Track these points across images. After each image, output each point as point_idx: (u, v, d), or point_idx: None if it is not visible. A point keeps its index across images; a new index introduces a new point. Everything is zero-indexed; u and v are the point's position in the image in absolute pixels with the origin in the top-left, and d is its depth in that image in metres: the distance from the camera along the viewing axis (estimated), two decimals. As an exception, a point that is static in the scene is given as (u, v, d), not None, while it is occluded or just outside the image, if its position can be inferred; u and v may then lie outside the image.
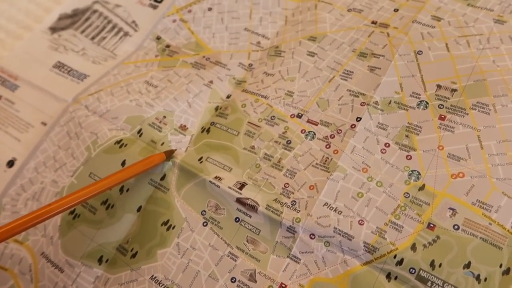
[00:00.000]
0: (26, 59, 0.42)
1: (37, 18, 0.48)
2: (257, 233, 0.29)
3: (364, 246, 0.26)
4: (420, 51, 0.32)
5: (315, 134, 0.31)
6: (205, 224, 0.30)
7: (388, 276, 0.26)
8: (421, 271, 0.25)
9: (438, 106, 0.30)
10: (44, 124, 0.37)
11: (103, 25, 0.44)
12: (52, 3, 0.49)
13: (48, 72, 0.41)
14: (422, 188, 0.27)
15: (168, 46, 0.41)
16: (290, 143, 0.32)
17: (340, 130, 0.31)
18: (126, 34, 0.43)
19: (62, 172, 0.35)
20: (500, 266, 0.25)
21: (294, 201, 0.29)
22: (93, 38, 0.43)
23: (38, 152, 0.36)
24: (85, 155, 0.35)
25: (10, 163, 0.37)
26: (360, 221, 0.27)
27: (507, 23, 0.32)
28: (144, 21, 0.43)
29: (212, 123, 0.35)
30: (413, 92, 0.31)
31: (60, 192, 0.34)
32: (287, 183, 0.30)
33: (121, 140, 0.34)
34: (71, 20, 0.45)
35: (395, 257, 0.26)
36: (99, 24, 0.44)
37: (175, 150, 0.33)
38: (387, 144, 0.30)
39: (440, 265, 0.25)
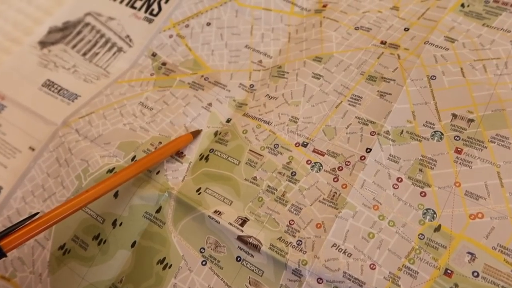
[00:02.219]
0: (14, 77, 0.40)
1: (26, 30, 0.45)
2: (260, 274, 0.27)
3: (376, 293, 0.25)
4: (434, 76, 0.30)
5: (321, 165, 0.29)
6: (204, 263, 0.28)
7: (402, 326, 0.24)
8: (438, 322, 0.23)
9: (454, 137, 0.28)
10: (32, 149, 0.35)
11: (95, 40, 0.41)
12: (42, 14, 0.47)
13: (37, 91, 0.39)
14: (438, 229, 0.26)
15: (164, 63, 0.38)
16: (295, 175, 0.30)
17: (348, 161, 0.29)
18: (119, 50, 0.40)
19: (51, 202, 0.33)
20: (524, 318, 0.23)
21: (300, 241, 0.27)
22: (84, 54, 0.41)
23: (26, 180, 0.34)
24: (76, 184, 0.32)
25: (-4, 192, 0.34)
26: (372, 265, 0.25)
27: (526, 46, 0.30)
28: (139, 36, 0.41)
29: (211, 150, 0.32)
30: (426, 122, 0.29)
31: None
32: (292, 220, 0.28)
33: (113, 168, 0.32)
34: (61, 33, 0.42)
35: (409, 306, 0.24)
36: (91, 39, 0.41)
37: (201, 130, 0.33)
38: (400, 179, 0.28)
39: (458, 316, 0.23)
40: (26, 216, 0.33)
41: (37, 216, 0.25)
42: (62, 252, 0.31)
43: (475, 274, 0.24)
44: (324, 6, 0.38)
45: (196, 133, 0.33)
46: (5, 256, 0.23)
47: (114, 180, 0.28)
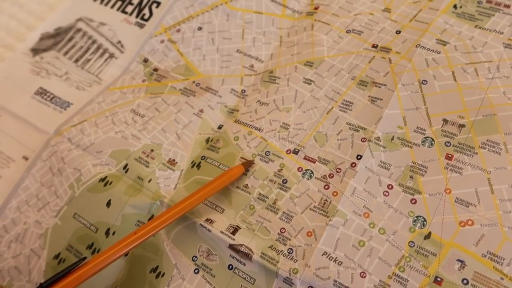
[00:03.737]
0: (7, 85, 0.40)
1: (18, 36, 0.45)
2: (252, 282, 0.27)
3: (366, 301, 0.25)
4: (425, 80, 0.30)
5: (312, 173, 0.29)
6: (196, 271, 0.29)
7: (392, 334, 0.24)
8: (427, 330, 0.24)
9: (445, 143, 0.28)
10: (25, 158, 0.35)
11: (87, 46, 0.41)
12: (35, 20, 0.46)
13: (29, 99, 0.39)
14: (428, 236, 0.26)
15: (156, 69, 0.38)
16: (286, 182, 0.30)
17: (339, 169, 0.29)
18: (111, 56, 0.40)
19: (45, 212, 0.33)
20: (513, 325, 0.23)
21: (291, 249, 0.27)
22: (77, 61, 0.40)
23: (20, 190, 0.34)
24: (69, 193, 0.33)
25: (-9, 202, 0.35)
26: (362, 274, 0.25)
27: (518, 48, 0.30)
28: (130, 41, 0.40)
29: (203, 157, 0.32)
30: (417, 127, 0.29)
31: (44, 234, 0.32)
32: (283, 228, 0.28)
33: (105, 177, 0.32)
34: (53, 40, 0.42)
35: (399, 314, 0.24)
36: (83, 45, 0.41)
37: (254, 160, 0.31)
38: (390, 186, 0.28)
39: (448, 324, 0.23)
40: (20, 225, 0.33)
41: (85, 261, 0.25)
42: (57, 262, 0.31)
43: (465, 281, 0.24)
44: (316, 8, 0.37)
45: (248, 164, 0.31)
46: None
47: (161, 222, 0.27)
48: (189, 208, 0.28)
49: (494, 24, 0.32)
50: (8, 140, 0.37)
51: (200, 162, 0.32)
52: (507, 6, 0.32)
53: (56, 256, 0.31)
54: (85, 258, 0.25)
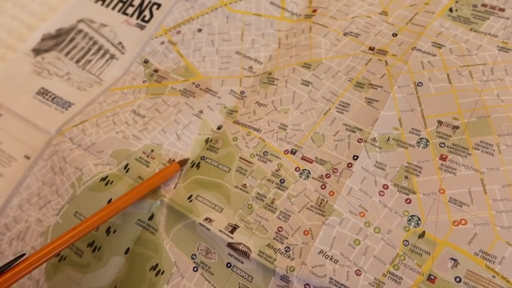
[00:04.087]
0: (9, 85, 0.40)
1: (20, 36, 0.46)
2: (250, 280, 0.28)
3: (361, 298, 0.25)
4: (420, 82, 0.31)
5: (309, 173, 0.30)
6: (195, 269, 0.29)
7: (387, 330, 0.25)
8: (421, 327, 0.24)
9: (439, 144, 0.28)
10: (27, 157, 0.36)
11: (88, 47, 0.42)
12: (36, 20, 0.47)
13: (31, 99, 0.39)
14: (422, 235, 0.26)
15: (156, 70, 0.39)
16: (283, 182, 0.30)
17: (336, 169, 0.29)
18: (112, 56, 0.41)
19: (47, 210, 0.33)
20: (504, 322, 0.23)
21: (288, 247, 0.28)
22: (78, 61, 0.41)
23: (22, 188, 0.35)
24: (70, 192, 0.33)
25: (-7, 200, 0.35)
26: (357, 271, 0.26)
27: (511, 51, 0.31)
28: (131, 42, 0.41)
29: (202, 158, 0.33)
30: (412, 128, 0.29)
31: (45, 232, 0.33)
32: (281, 227, 0.29)
33: (106, 176, 0.33)
34: (55, 41, 0.43)
35: (393, 311, 0.25)
36: (84, 46, 0.42)
37: (188, 159, 0.33)
38: (386, 186, 0.28)
39: (441, 321, 0.24)
40: (22, 223, 0.34)
41: (23, 258, 0.24)
42: (58, 259, 0.32)
43: (458, 279, 0.25)
44: (314, 11, 0.38)
45: (183, 162, 0.32)
46: None
47: (101, 217, 0.27)
48: (129, 203, 0.29)
49: (489, 27, 0.32)
50: (10, 139, 0.37)
51: (199, 162, 0.33)
52: (502, 10, 0.33)
53: (57, 254, 0.32)
54: (23, 254, 0.25)
